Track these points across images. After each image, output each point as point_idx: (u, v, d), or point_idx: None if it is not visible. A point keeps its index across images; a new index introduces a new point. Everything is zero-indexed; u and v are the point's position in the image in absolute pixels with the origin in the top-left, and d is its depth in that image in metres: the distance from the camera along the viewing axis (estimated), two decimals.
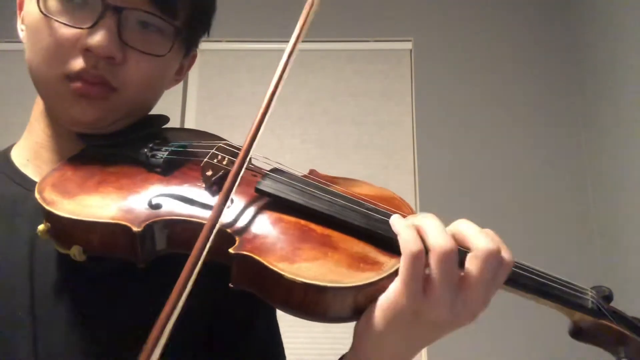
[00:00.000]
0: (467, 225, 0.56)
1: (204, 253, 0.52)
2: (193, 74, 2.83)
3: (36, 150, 0.75)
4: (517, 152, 2.65)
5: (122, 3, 0.67)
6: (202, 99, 2.82)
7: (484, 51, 2.79)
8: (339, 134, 2.75)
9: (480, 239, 0.54)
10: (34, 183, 0.67)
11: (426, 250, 0.53)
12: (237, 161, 0.58)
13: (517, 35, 2.81)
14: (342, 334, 2.35)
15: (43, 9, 0.67)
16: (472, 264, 0.53)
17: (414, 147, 2.69)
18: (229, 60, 2.87)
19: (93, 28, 0.66)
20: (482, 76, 2.76)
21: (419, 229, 0.55)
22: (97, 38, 0.65)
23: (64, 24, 0.66)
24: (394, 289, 0.54)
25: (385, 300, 0.55)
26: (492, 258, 0.53)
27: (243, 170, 0.59)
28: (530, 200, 2.58)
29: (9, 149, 0.79)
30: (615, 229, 2.34)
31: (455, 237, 0.55)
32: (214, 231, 0.54)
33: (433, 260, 0.53)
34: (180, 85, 2.78)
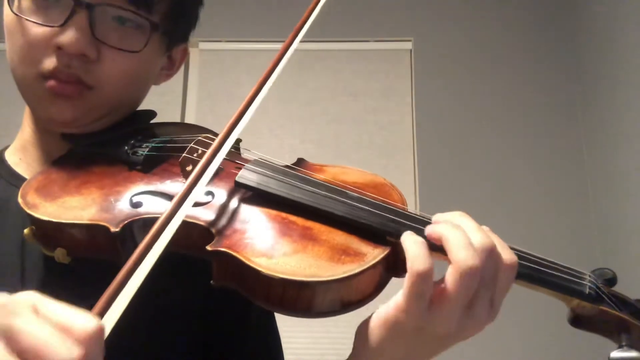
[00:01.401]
0: (454, 233, 0.51)
1: (162, 246, 0.49)
2: (193, 74, 2.82)
3: (26, 148, 0.75)
4: (517, 151, 2.65)
5: None
6: (202, 99, 2.82)
7: (483, 51, 2.79)
8: (339, 133, 2.75)
9: (460, 253, 0.49)
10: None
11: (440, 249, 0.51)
12: (208, 154, 0.57)
13: (517, 34, 2.81)
14: (342, 334, 2.36)
15: (15, 9, 0.66)
16: (450, 278, 0.50)
17: (414, 147, 2.69)
18: (229, 60, 2.86)
19: (64, 26, 0.65)
20: (482, 76, 2.75)
21: (442, 237, 0.52)
22: (68, 36, 0.64)
23: (36, 22, 0.66)
24: (395, 304, 0.52)
25: (386, 315, 0.53)
26: (470, 275, 0.49)
27: (215, 162, 0.57)
28: (530, 200, 2.57)
29: (3, 149, 0.79)
30: (616, 229, 2.34)
31: (439, 239, 0.52)
32: (177, 223, 0.51)
33: (453, 276, 0.49)
34: (180, 85, 2.78)
